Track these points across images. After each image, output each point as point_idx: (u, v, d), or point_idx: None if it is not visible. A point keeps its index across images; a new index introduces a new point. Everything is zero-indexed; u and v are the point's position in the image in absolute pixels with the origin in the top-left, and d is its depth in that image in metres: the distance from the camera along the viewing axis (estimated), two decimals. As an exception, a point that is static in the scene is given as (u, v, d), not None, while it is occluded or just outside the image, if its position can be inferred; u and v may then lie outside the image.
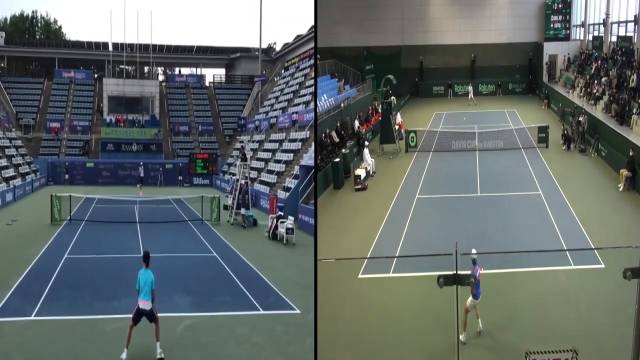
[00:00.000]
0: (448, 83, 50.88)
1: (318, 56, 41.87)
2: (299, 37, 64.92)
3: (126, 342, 11.99)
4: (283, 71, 67.38)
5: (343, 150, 28.04)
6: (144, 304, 12.22)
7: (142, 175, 49.64)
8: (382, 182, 25.60)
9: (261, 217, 31.75)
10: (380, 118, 31.80)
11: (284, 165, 40.40)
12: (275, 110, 56.28)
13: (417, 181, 25.17)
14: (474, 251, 12.25)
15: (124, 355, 11.85)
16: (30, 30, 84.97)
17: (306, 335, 13.54)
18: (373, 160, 27.24)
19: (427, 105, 46.11)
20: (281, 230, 25.83)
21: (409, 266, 15.89)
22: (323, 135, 29.59)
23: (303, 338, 13.40)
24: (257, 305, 15.95)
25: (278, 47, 77.14)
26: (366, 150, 27.17)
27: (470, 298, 12.03)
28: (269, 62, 74.47)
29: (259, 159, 47.03)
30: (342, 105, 34.24)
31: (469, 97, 46.87)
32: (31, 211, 33.78)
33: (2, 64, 71.78)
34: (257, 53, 69.04)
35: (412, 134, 31.24)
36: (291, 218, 26.50)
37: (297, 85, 56.32)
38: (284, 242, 25.40)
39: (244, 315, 15.08)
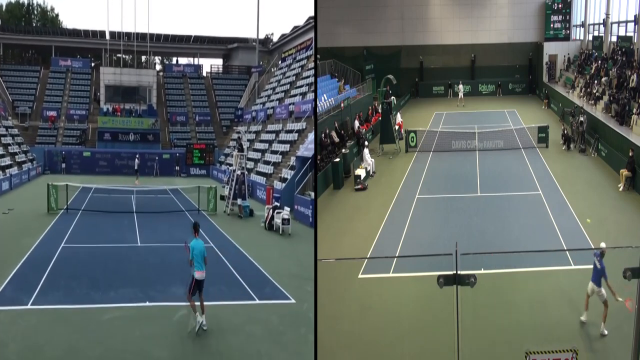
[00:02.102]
0: (448, 83, 50.89)
1: (318, 56, 41.79)
2: (296, 28, 64.78)
3: (194, 310, 12.89)
4: (280, 62, 67.21)
5: (343, 150, 28.03)
6: (200, 274, 12.81)
7: (136, 168, 49.48)
8: (382, 182, 25.62)
9: (257, 207, 31.75)
10: (380, 118, 31.85)
11: (280, 156, 40.37)
12: (272, 101, 56.17)
13: (417, 181, 25.18)
14: (604, 245, 12.71)
15: (198, 319, 12.79)
16: (26, 17, 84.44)
17: (301, 324, 13.61)
18: (373, 160, 27.25)
19: (427, 105, 46.22)
20: (277, 220, 25.85)
21: (409, 266, 15.89)
22: (323, 135, 29.55)
23: (298, 327, 13.46)
24: (252, 295, 16.00)
25: (275, 38, 77.26)
26: (366, 150, 27.17)
27: (590, 283, 12.34)
28: (266, 53, 74.33)
29: (255, 150, 47.00)
30: (342, 105, 34.22)
31: (459, 97, 46.85)
32: (28, 200, 33.64)
33: (-1, 51, 71.42)
34: (254, 44, 68.99)
35: (412, 134, 31.26)
36: (287, 209, 26.55)
37: (294, 77, 56.11)
38: (280, 232, 25.43)
39: (240, 305, 15.15)
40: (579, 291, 14.14)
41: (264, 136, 48.96)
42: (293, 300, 15.53)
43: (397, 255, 17.04)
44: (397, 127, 32.00)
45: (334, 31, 48.42)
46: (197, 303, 13.00)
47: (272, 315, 14.35)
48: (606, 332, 12.09)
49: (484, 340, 12.09)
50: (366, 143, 28.45)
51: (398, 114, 35.62)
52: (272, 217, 26.32)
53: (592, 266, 12.42)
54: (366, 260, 16.56)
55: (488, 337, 12.30)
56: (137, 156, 52.27)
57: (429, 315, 13.12)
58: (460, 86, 47.75)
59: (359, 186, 24.43)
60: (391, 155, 30.32)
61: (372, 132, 33.99)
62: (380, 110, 32.10)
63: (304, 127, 40.51)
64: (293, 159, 35.66)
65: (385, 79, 30.82)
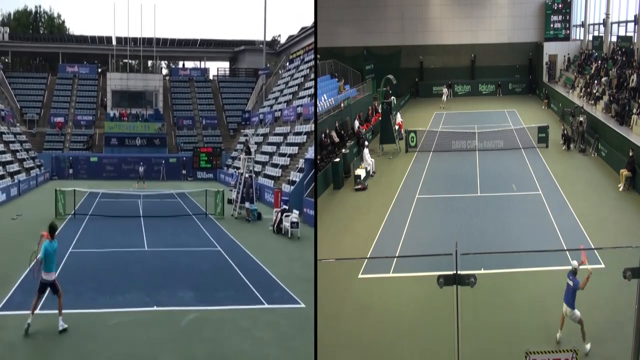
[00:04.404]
0: (448, 83, 51.00)
1: (318, 56, 41.96)
2: (303, 30, 64.63)
3: (32, 310, 13.00)
4: (288, 64, 67.21)
5: (343, 150, 28.13)
6: (48, 275, 13.07)
7: (141, 175, 50.12)
8: (382, 182, 25.71)
9: (266, 210, 31.83)
10: (380, 118, 31.93)
11: (288, 159, 40.47)
12: (280, 103, 56.12)
13: (417, 181, 25.29)
14: (575, 263, 12.23)
15: (29, 320, 12.87)
16: (33, 25, 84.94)
17: (310, 329, 13.53)
18: (373, 160, 27.35)
19: (427, 105, 46.25)
20: (286, 224, 25.86)
21: (409, 266, 15.97)
22: (323, 135, 29.66)
23: (307, 332, 13.38)
24: (261, 299, 16.01)
25: (283, 40, 77.06)
26: (366, 150, 27.28)
27: (564, 305, 12.00)
28: (273, 55, 74.24)
29: (263, 153, 47.11)
30: (342, 105, 34.30)
31: (442, 99, 46.79)
32: (36, 206, 33.94)
33: (7, 59, 71.96)
34: (261, 46, 69.07)
35: (412, 134, 31.36)
36: (296, 212, 26.54)
37: (302, 78, 56.08)
38: (289, 236, 25.44)
39: (248, 310, 15.12)
40: (579, 291, 14.28)
41: (271, 139, 49.06)
42: (302, 305, 15.51)
43: (397, 255, 17.10)
44: (397, 127, 32.11)
45: (334, 31, 48.55)
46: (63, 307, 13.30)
47: (281, 320, 14.32)
48: (589, 348, 11.79)
49: (484, 340, 12.15)
50: (366, 143, 28.56)
51: (398, 114, 35.72)
52: (281, 221, 26.30)
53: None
54: (366, 260, 16.61)
55: (488, 337, 12.36)
56: (141, 163, 52.75)
57: (429, 315, 13.17)
58: (445, 89, 47.82)
59: (359, 186, 24.54)
60: (391, 155, 30.45)
61: (372, 132, 34.10)
62: (380, 110, 32.19)
63: (312, 129, 40.41)
64: (301, 161, 35.74)
65: (385, 79, 30.93)
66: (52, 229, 13.51)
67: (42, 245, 13.13)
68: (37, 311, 14.39)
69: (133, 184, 47.29)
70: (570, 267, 12.26)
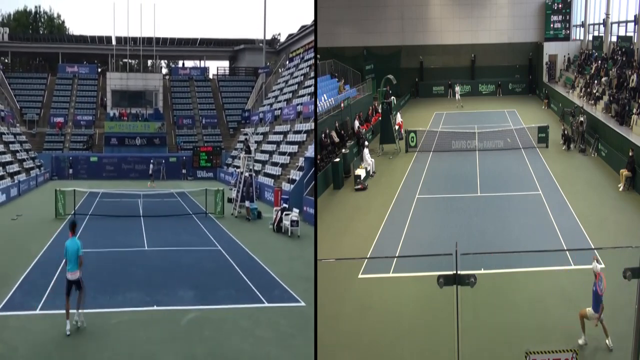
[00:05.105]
0: (448, 83, 51.01)
1: (318, 56, 41.99)
2: (303, 28, 64.42)
3: (67, 315, 12.92)
4: (287, 62, 67.17)
5: (343, 150, 28.17)
6: (72, 275, 13.04)
7: (150, 172, 50.43)
8: (382, 182, 25.74)
9: (266, 209, 31.79)
10: (380, 118, 31.96)
11: (288, 158, 40.43)
12: (280, 102, 56.08)
13: (417, 181, 25.31)
14: (597, 265, 12.07)
15: (68, 326, 12.82)
16: (33, 25, 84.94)
17: (310, 328, 13.54)
18: (373, 160, 27.38)
19: (427, 105, 46.31)
20: (286, 222, 25.88)
21: (409, 266, 16.00)
22: (323, 135, 29.70)
23: (307, 331, 13.41)
24: (261, 298, 16.02)
25: (282, 38, 76.96)
26: (366, 150, 27.31)
27: (589, 309, 11.94)
28: (273, 54, 74.14)
29: (263, 151, 47.05)
30: (342, 105, 34.34)
31: (456, 98, 46.89)
32: (36, 206, 33.92)
33: (6, 60, 71.92)
34: (261, 45, 69.01)
35: (412, 134, 31.39)
36: (296, 210, 26.54)
37: (302, 77, 56.00)
38: (289, 234, 25.45)
39: (249, 308, 15.15)
40: (579, 291, 14.13)
41: (271, 137, 49.03)
42: (303, 303, 15.52)
43: (397, 255, 17.13)
44: (397, 127, 32.14)
45: (334, 31, 48.61)
46: (73, 311, 13.21)
47: (281, 319, 14.33)
48: (611, 345, 11.73)
49: (484, 340, 12.17)
50: (366, 143, 28.59)
51: (398, 114, 35.75)
52: (281, 219, 26.30)
53: (590, 266, 12.40)
54: (366, 260, 16.63)
55: (488, 337, 12.38)
56: (152, 160, 52.91)
57: (429, 315, 13.20)
58: (457, 87, 47.93)
59: (359, 186, 24.56)
60: (391, 155, 30.47)
61: (372, 132, 34.12)
62: (380, 110, 32.22)
63: (312, 128, 40.34)
64: (301, 160, 35.74)
65: (385, 79, 30.96)
66: (71, 225, 13.67)
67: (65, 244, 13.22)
68: (37, 311, 14.47)
69: (138, 183, 47.33)
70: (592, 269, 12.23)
